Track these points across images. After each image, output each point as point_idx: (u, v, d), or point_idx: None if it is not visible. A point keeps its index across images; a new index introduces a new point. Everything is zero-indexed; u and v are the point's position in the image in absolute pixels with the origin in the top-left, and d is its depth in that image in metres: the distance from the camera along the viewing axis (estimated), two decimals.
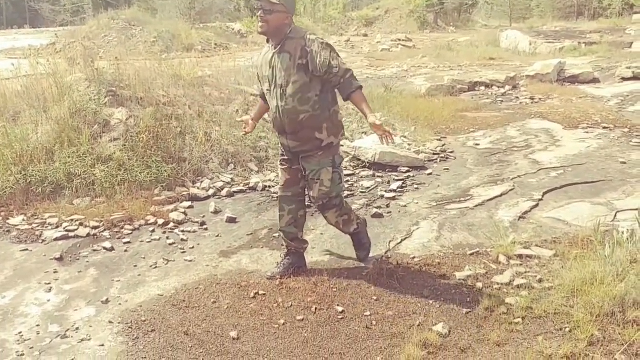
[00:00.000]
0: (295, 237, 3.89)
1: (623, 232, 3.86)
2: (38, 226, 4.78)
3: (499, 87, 11.98)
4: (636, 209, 4.30)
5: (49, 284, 3.84)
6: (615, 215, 4.82)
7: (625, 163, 6.36)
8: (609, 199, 5.25)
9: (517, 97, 10.98)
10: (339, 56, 3.52)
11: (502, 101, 10.76)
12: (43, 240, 4.54)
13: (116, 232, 4.68)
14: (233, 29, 26.65)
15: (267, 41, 3.62)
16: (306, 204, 3.93)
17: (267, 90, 3.63)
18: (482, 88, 11.97)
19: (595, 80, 12.46)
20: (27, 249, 4.39)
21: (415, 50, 20.54)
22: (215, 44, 21.40)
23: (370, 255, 4.11)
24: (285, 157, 3.77)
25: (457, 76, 12.75)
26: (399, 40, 24.12)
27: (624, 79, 12.19)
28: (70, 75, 6.47)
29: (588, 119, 8.57)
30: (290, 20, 3.52)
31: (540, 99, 10.60)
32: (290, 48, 3.48)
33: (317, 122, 3.54)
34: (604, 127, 8.11)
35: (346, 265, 4.03)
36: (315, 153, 3.61)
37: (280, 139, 3.74)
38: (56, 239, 4.53)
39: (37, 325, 3.33)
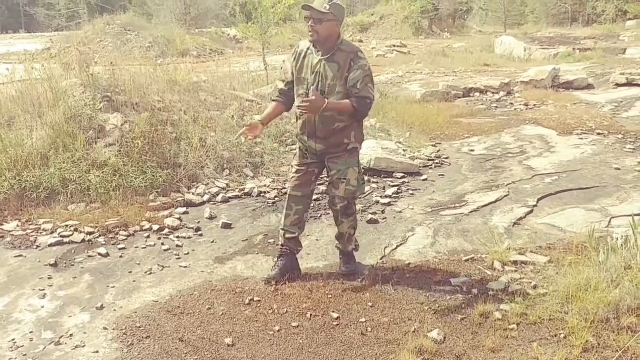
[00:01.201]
0: (294, 237, 3.94)
1: (617, 239, 3.88)
2: (32, 232, 4.75)
3: (493, 93, 12.03)
4: (630, 215, 4.32)
5: (43, 290, 3.82)
6: (610, 222, 4.84)
7: (619, 169, 6.39)
8: (603, 205, 5.27)
9: (512, 103, 11.03)
10: (371, 85, 3.61)
11: (496, 107, 10.80)
12: (37, 246, 4.52)
13: (111, 238, 4.67)
14: (228, 35, 26.70)
15: (314, 46, 3.66)
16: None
17: (305, 93, 3.65)
18: (477, 94, 12.02)
19: (589, 87, 12.54)
20: (21, 255, 4.37)
21: (410, 56, 20.60)
22: (211, 50, 21.43)
23: (366, 261, 4.11)
24: (306, 160, 3.83)
25: (452, 82, 12.79)
26: (394, 46, 24.20)
27: (618, 85, 12.26)
28: (66, 81, 6.45)
29: (582, 125, 8.62)
30: (339, 28, 3.62)
31: (534, 105, 10.65)
32: (340, 59, 3.58)
33: (347, 131, 3.70)
34: (598, 134, 8.15)
35: (340, 272, 4.01)
36: (342, 154, 3.73)
37: (307, 142, 3.75)
38: (51, 245, 4.51)
39: (31, 332, 3.31)
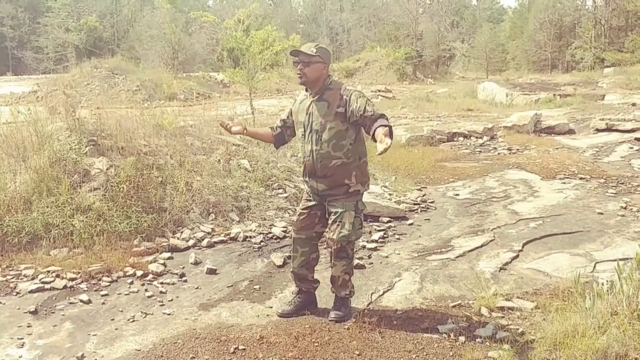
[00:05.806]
0: (304, 278, 4.02)
1: (603, 284, 3.88)
2: (12, 278, 4.65)
3: (477, 137, 12.20)
4: (615, 260, 4.34)
5: (22, 339, 3.71)
6: (595, 266, 4.86)
7: (602, 214, 6.46)
8: (587, 250, 5.30)
9: (495, 148, 11.18)
10: (373, 104, 3.67)
11: (480, 151, 10.94)
12: (17, 293, 4.42)
13: (94, 284, 4.58)
14: (216, 79, 26.99)
15: (306, 90, 3.85)
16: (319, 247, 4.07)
17: (302, 135, 3.84)
18: (461, 138, 12.18)
19: (570, 132, 12.79)
20: None
21: (394, 100, 20.92)
22: (198, 93, 21.61)
23: (352, 307, 4.07)
24: (309, 202, 3.93)
25: (436, 127, 12.98)
26: (379, 91, 24.60)
27: (598, 130, 12.52)
28: (51, 124, 6.44)
29: (565, 170, 8.74)
30: (327, 70, 3.78)
31: (517, 149, 10.81)
32: (329, 97, 3.73)
33: (347, 169, 3.76)
34: (581, 178, 8.26)
35: (328, 318, 3.97)
36: (341, 196, 3.78)
37: (309, 182, 3.89)
38: (31, 291, 4.41)
39: None
